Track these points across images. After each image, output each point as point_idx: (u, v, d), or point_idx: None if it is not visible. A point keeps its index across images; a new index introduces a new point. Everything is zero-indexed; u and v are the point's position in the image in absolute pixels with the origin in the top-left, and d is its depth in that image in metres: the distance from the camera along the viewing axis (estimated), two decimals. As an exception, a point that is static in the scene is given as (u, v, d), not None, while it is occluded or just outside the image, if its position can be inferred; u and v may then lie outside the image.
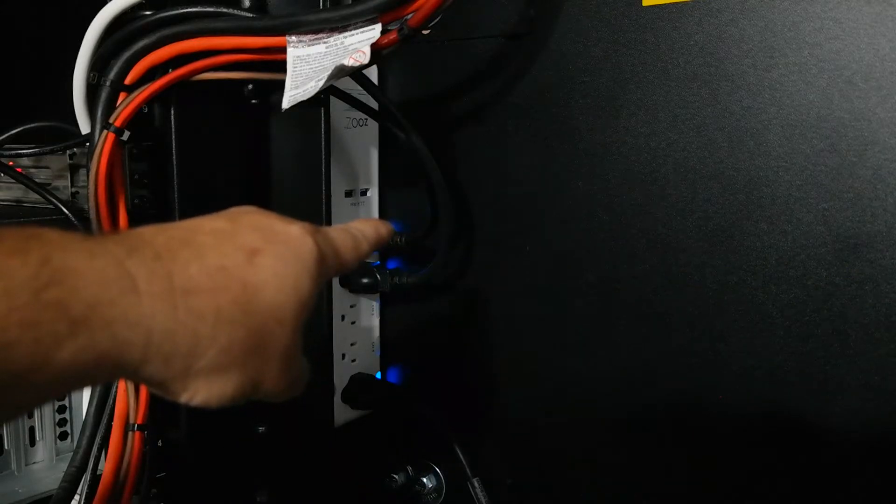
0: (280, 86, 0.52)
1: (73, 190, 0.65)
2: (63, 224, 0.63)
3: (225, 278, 0.31)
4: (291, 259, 0.34)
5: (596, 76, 0.58)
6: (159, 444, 0.56)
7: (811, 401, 0.51)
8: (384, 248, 0.67)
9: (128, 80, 0.52)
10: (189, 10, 0.52)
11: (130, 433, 0.52)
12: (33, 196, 0.64)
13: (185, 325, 0.29)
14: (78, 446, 0.53)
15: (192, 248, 0.32)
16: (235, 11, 0.52)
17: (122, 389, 0.53)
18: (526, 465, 0.66)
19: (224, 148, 0.58)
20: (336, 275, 0.39)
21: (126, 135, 0.52)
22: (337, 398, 0.67)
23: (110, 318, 0.27)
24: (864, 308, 0.49)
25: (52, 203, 0.60)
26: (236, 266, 0.32)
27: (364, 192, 0.68)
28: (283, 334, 0.33)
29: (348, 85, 0.59)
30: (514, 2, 0.61)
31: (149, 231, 0.32)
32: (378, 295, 0.71)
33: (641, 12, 0.55)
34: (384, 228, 0.44)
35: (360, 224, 0.43)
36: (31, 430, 0.64)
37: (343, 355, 0.68)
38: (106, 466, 0.52)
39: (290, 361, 0.34)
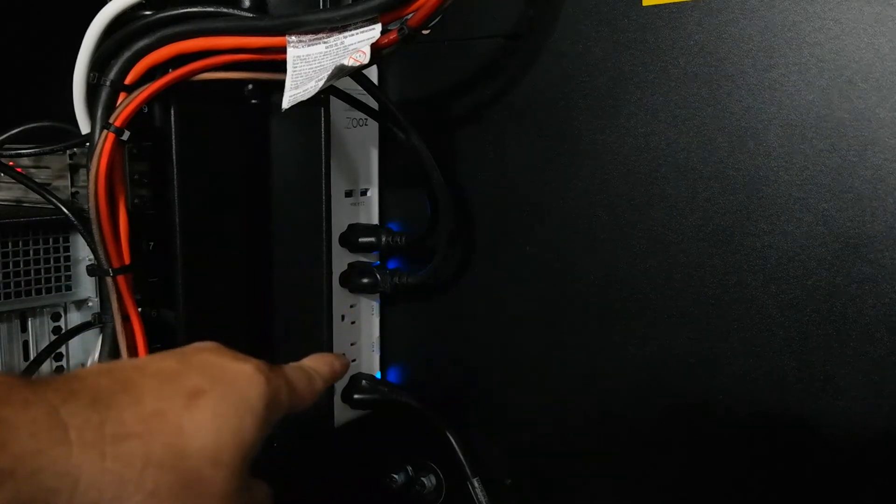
0: (280, 86, 0.52)
1: (74, 190, 0.65)
2: (63, 223, 0.63)
3: (159, 423, 0.32)
4: (235, 400, 0.35)
5: (596, 76, 0.58)
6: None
7: (811, 401, 0.51)
8: (384, 248, 0.67)
9: (128, 80, 0.52)
10: (189, 10, 0.52)
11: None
12: (33, 196, 0.64)
13: (112, 473, 0.30)
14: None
15: (132, 392, 0.33)
16: (235, 11, 0.52)
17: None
18: (526, 465, 0.66)
19: (224, 148, 0.58)
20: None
21: (126, 135, 0.52)
22: (337, 398, 0.67)
23: (37, 468, 0.28)
24: (864, 308, 0.49)
25: (52, 203, 0.61)
26: (174, 409, 0.33)
27: (364, 192, 0.68)
28: (220, 477, 0.33)
29: (348, 85, 0.59)
30: (514, 2, 0.61)
31: (94, 372, 0.33)
32: (378, 295, 0.71)
33: (641, 12, 0.55)
34: (338, 364, 0.45)
35: (314, 361, 0.44)
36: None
37: (343, 355, 0.68)
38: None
39: (228, 502, 0.34)
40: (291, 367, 0.42)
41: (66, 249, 0.65)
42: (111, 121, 0.51)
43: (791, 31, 0.50)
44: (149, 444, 0.31)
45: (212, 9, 0.52)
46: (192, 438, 0.33)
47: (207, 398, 0.34)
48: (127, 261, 0.54)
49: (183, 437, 0.32)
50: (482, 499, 0.64)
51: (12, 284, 0.62)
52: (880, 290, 0.48)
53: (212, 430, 0.33)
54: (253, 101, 0.58)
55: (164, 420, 0.32)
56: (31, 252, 0.63)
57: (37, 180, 0.64)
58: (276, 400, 0.37)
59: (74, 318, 0.68)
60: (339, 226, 0.65)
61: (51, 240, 0.64)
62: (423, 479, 0.71)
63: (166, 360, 0.36)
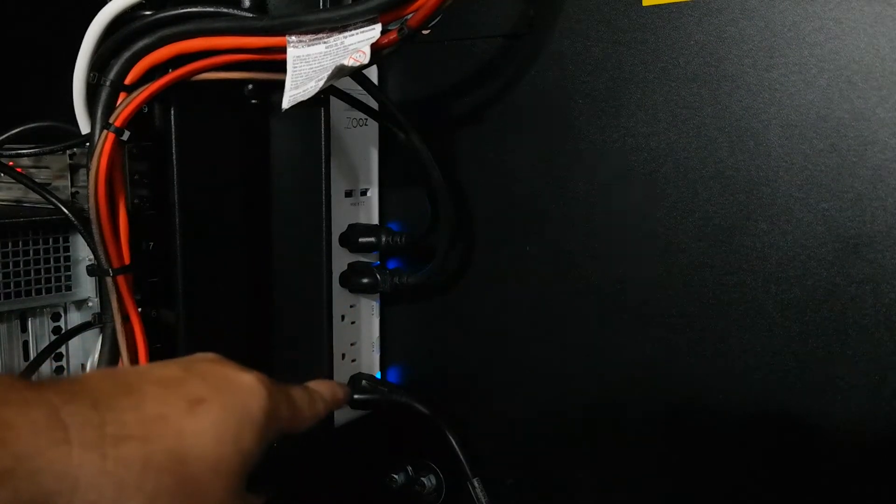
0: (280, 86, 0.52)
1: (73, 190, 0.66)
2: (63, 223, 0.63)
3: (160, 427, 0.32)
4: (237, 409, 0.35)
5: (596, 76, 0.58)
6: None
7: (811, 401, 0.51)
8: (384, 248, 0.67)
9: (128, 80, 0.52)
10: (189, 10, 0.52)
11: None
12: (33, 196, 0.64)
13: (112, 475, 0.30)
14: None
15: (134, 396, 0.33)
16: (235, 11, 0.52)
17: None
18: (526, 465, 0.66)
19: (224, 148, 0.58)
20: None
21: (126, 135, 0.52)
22: (337, 398, 0.67)
23: (37, 468, 0.28)
24: (864, 308, 0.49)
25: (52, 203, 0.61)
26: (175, 415, 0.33)
27: (364, 192, 0.68)
28: (218, 484, 0.34)
29: (348, 85, 0.59)
30: (514, 2, 0.61)
31: (96, 376, 0.34)
32: (378, 295, 0.71)
33: (641, 12, 0.55)
34: (341, 391, 0.46)
35: (318, 384, 0.44)
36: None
37: (343, 355, 0.68)
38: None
39: None
40: (294, 387, 0.42)
41: (66, 249, 0.65)
42: (111, 121, 0.51)
43: (791, 31, 0.50)
44: (149, 448, 0.32)
45: (212, 9, 0.52)
46: (193, 445, 0.33)
47: (209, 406, 0.34)
48: (127, 261, 0.54)
49: (183, 442, 0.33)
50: (482, 499, 0.64)
51: (12, 284, 0.62)
52: (880, 290, 0.48)
53: (212, 437, 0.34)
54: (253, 101, 0.58)
55: (165, 425, 0.32)
56: (31, 252, 0.63)
57: (37, 180, 0.64)
58: (277, 413, 0.37)
59: (74, 318, 0.68)
60: (339, 226, 0.65)
61: (51, 240, 0.64)
62: (423, 479, 0.71)
63: (169, 368, 0.36)
